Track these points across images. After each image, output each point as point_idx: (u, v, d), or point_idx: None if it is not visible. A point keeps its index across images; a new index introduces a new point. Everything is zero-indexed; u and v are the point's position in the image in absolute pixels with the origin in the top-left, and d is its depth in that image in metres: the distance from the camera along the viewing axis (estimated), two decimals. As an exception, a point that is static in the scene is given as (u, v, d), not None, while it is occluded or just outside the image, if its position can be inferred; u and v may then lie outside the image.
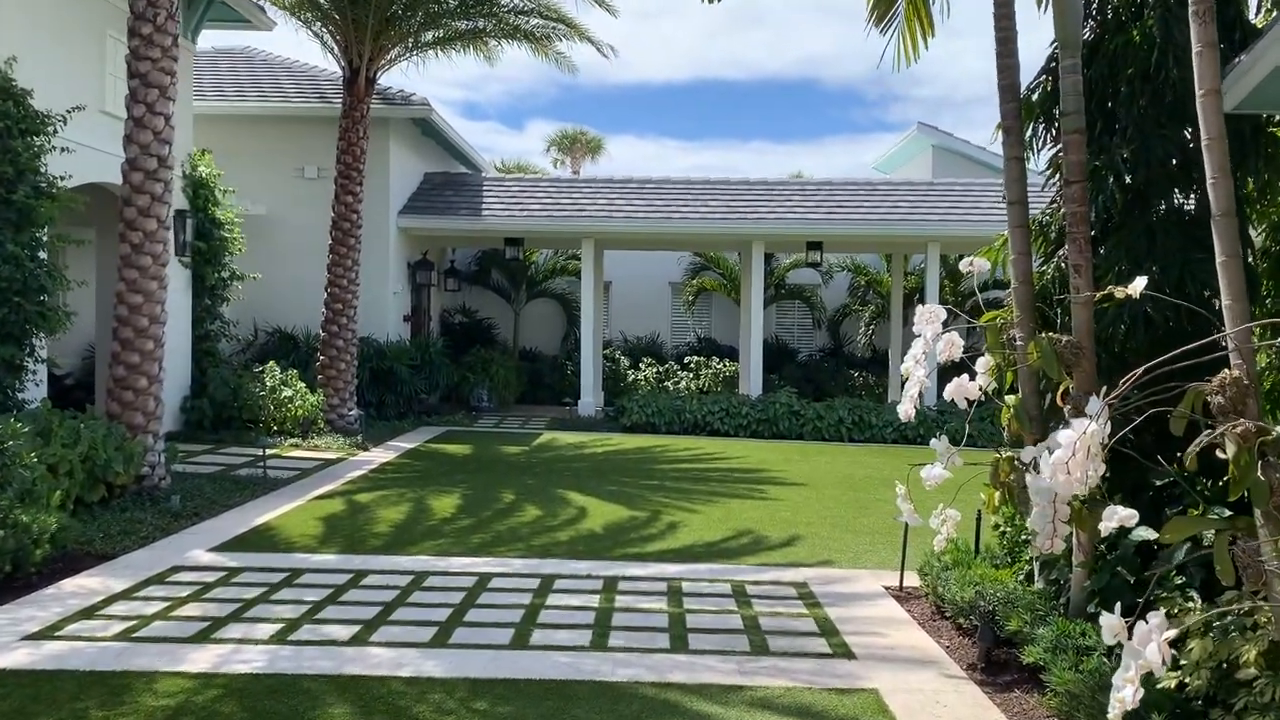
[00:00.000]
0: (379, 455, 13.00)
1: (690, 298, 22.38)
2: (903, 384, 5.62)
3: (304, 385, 14.11)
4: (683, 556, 7.93)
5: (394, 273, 17.36)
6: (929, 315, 5.94)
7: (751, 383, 17.45)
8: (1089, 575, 4.86)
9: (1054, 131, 5.96)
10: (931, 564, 6.65)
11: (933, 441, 5.75)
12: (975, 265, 6.01)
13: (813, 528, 9.13)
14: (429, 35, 15.40)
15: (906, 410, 5.11)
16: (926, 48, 7.57)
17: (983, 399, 5.36)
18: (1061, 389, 4.79)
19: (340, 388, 14.54)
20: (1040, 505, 4.19)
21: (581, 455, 13.66)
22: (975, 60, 72.95)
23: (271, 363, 14.33)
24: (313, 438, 13.62)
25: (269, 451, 12.45)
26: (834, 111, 69.48)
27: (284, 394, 13.85)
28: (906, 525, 7.17)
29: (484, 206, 18.07)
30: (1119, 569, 4.75)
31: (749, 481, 11.78)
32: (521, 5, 15.17)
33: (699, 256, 22.17)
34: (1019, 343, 5.56)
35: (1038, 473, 4.36)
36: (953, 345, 5.66)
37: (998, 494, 5.67)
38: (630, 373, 20.66)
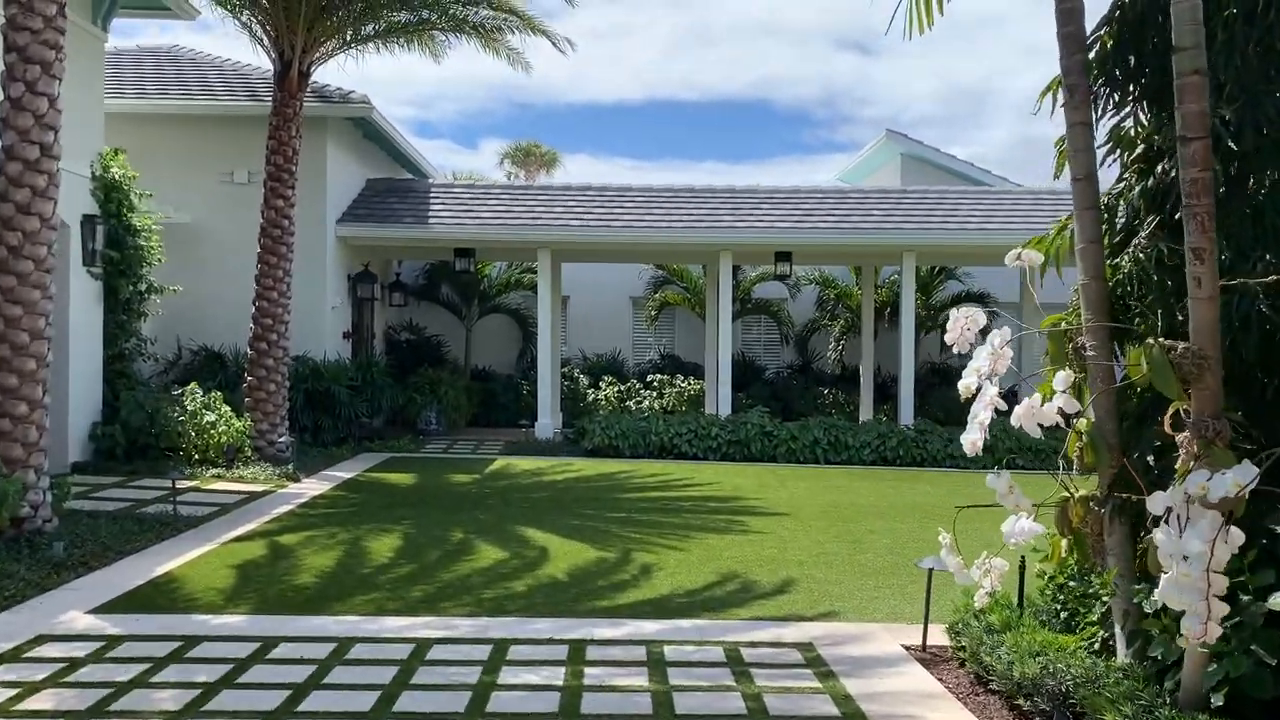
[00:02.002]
0: (311, 487, 11.64)
1: (653, 312, 21.22)
2: (970, 405, 4.48)
3: (229, 409, 12.72)
4: (662, 609, 6.72)
5: (332, 285, 16.00)
6: (966, 320, 4.84)
7: (720, 402, 16.31)
8: (1214, 657, 3.71)
9: (1118, 96, 4.88)
10: (969, 623, 5.50)
11: (990, 479, 4.62)
12: (1025, 259, 4.92)
13: (805, 568, 7.96)
14: (369, 27, 14.15)
15: (974, 441, 3.97)
16: (941, 13, 6.45)
17: (1060, 424, 4.24)
18: (1171, 412, 3.68)
19: (270, 411, 13.15)
20: (1191, 575, 3.07)
21: (540, 483, 12.41)
22: (922, 81, 73.27)
23: (193, 384, 12.92)
24: (238, 467, 12.24)
25: (187, 484, 11.10)
26: (785, 132, 69.35)
27: (206, 419, 12.46)
28: (931, 572, 6.03)
29: (431, 214, 16.79)
30: (1254, 648, 3.61)
31: (726, 512, 10.60)
32: (470, -5, 13.98)
33: (661, 269, 21.03)
34: (1090, 353, 4.44)
35: (1165, 524, 3.25)
36: (1000, 358, 4.56)
37: (1064, 542, 4.55)
38: (590, 392, 19.44)
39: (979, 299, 20.77)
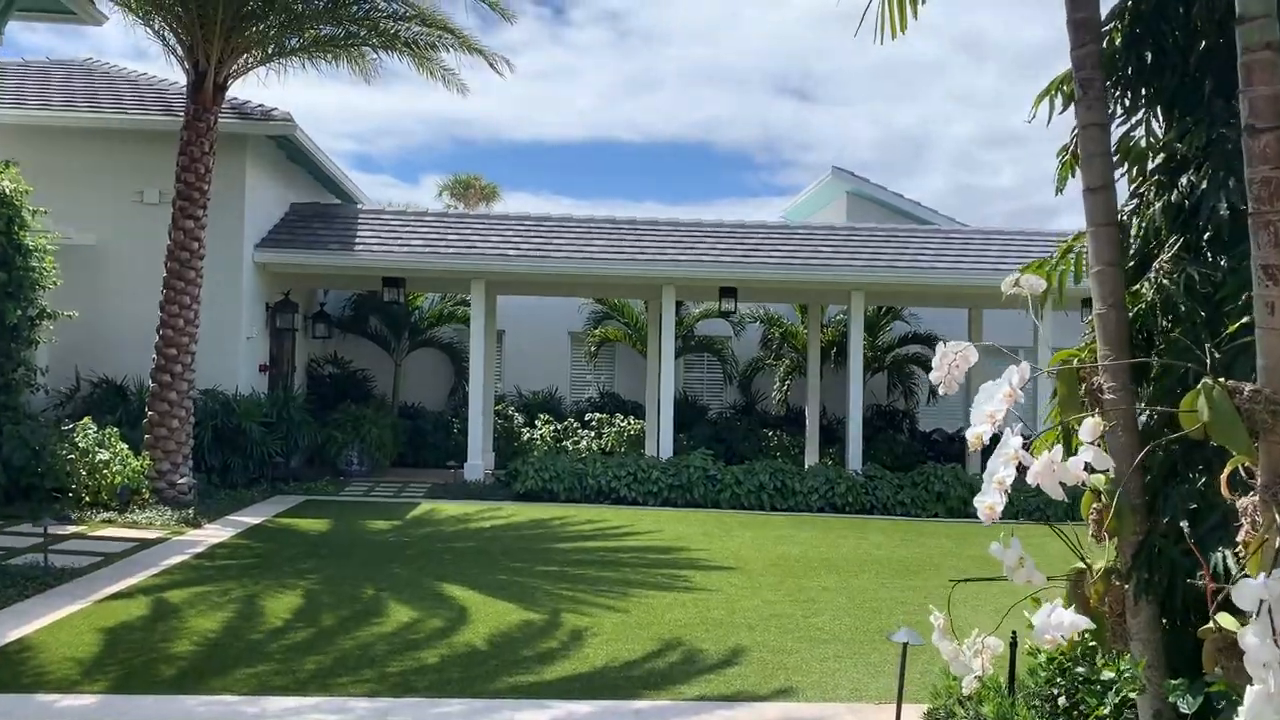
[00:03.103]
0: (213, 534, 10.56)
1: (592, 349, 20.41)
2: (975, 454, 3.72)
3: (126, 447, 11.61)
4: (595, 687, 5.84)
5: (249, 314, 14.95)
6: (955, 357, 4.09)
7: (661, 443, 15.50)
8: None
9: (1128, 99, 4.21)
10: (954, 711, 4.72)
11: (995, 548, 3.83)
12: (1025, 284, 4.19)
13: (756, 633, 7.14)
14: (293, 40, 13.27)
15: (991, 506, 3.20)
16: (915, 18, 5.79)
17: (1083, 486, 3.50)
18: (1230, 470, 2.96)
19: (172, 450, 12.04)
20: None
21: (466, 531, 11.45)
22: (860, 127, 74.31)
23: (86, 419, 11.79)
24: (133, 511, 11.14)
25: (70, 530, 10.00)
26: (726, 175, 69.84)
27: (100, 457, 11.34)
28: (905, 646, 5.26)
29: (359, 241, 15.84)
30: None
31: (668, 566, 9.76)
32: (401, 10, 13.18)
33: (601, 304, 20.26)
34: (1109, 395, 3.73)
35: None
36: (1010, 396, 3.83)
37: (1080, 623, 3.78)
38: (525, 431, 18.51)
39: (926, 340, 20.33)
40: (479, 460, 15.43)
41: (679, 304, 18.78)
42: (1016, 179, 72.40)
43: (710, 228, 17.00)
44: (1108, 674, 4.27)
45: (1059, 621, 3.10)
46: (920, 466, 15.33)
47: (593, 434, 18.48)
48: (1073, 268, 4.20)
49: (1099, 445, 3.24)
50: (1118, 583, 3.70)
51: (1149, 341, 3.92)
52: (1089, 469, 3.40)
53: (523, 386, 20.41)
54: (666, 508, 13.95)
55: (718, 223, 17.30)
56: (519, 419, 18.91)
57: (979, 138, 75.16)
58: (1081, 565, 3.88)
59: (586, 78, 73.67)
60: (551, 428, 18.58)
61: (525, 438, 18.28)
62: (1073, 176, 4.24)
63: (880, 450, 17.22)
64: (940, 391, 4.19)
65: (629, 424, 18.57)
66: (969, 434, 3.28)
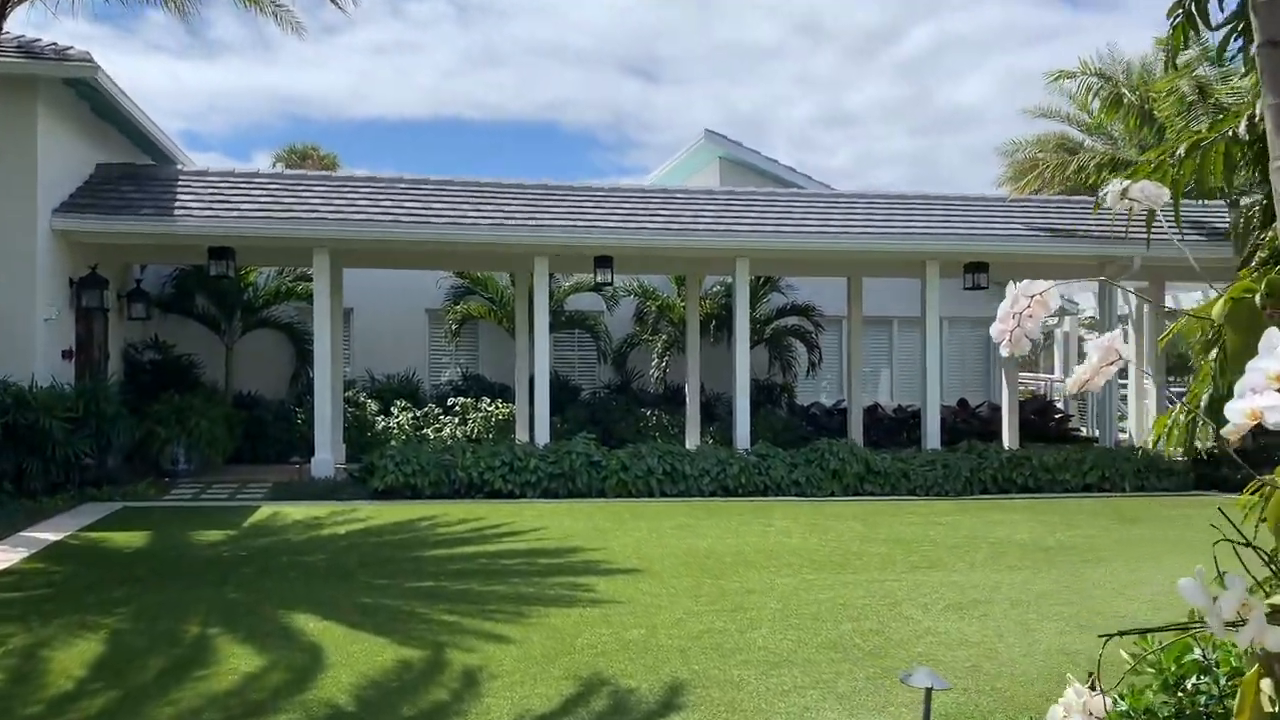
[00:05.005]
0: (-6, 558, 8.54)
1: (453, 327, 18.66)
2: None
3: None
4: (506, 760, 4.40)
5: (46, 291, 12.66)
6: (1028, 302, 2.83)
7: (537, 428, 14.02)
8: None
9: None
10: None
11: (1184, 585, 2.60)
12: (1140, 194, 2.96)
13: (691, 660, 5.82)
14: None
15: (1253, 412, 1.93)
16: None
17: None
18: None
19: (-57, 455, 9.84)
20: None
21: (316, 539, 9.73)
22: (707, 108, 74.35)
23: None
24: (-110, 534, 8.96)
25: None
26: (573, 155, 68.72)
27: None
28: (929, 693, 4.00)
29: (179, 206, 13.67)
30: None
31: (564, 572, 8.34)
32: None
33: (462, 278, 18.54)
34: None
35: None
36: (1114, 354, 2.61)
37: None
38: (380, 420, 16.69)
39: (804, 311, 19.50)
40: (328, 454, 13.60)
41: (549, 276, 17.28)
42: (852, 158, 73.73)
43: (583, 192, 15.56)
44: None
45: None
46: (813, 443, 14.36)
47: (457, 420, 16.83)
48: (1215, 162, 2.97)
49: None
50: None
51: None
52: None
53: (375, 370, 18.53)
54: (547, 499, 12.52)
55: (591, 186, 15.88)
56: (372, 406, 17.07)
57: (817, 118, 76.18)
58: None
59: (428, 53, 70.93)
60: (410, 415, 16.84)
61: (380, 427, 16.48)
62: (1185, 46, 3.07)
63: (761, 426, 16.22)
64: (1004, 353, 2.81)
65: (497, 408, 17.00)
66: (1240, 406, 2.00)
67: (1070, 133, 25.59)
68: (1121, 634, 2.79)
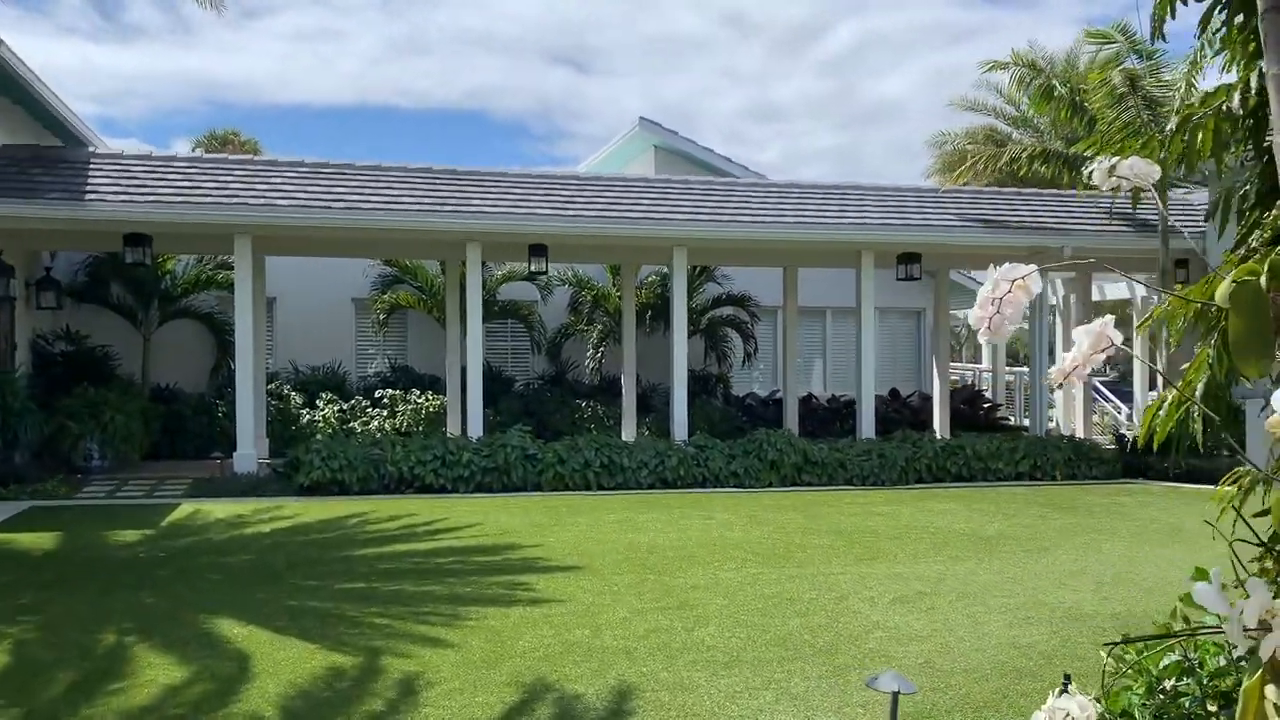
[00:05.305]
0: (-113, 564, 7.97)
1: (380, 317, 18.16)
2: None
3: None
4: (448, 777, 4.13)
5: (-55, 279, 11.95)
6: (1009, 285, 2.66)
7: (470, 420, 13.67)
8: None
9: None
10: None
11: (1200, 590, 2.45)
12: (1130, 171, 2.81)
13: (637, 661, 5.60)
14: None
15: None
16: None
17: None
18: None
19: None
20: None
21: (240, 539, 9.30)
22: (635, 100, 74.46)
23: None
24: None
25: None
26: (502, 143, 68.15)
27: None
28: (896, 697, 3.84)
29: (91, 190, 13.00)
30: None
31: (501, 570, 8.06)
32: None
33: (391, 265, 18.06)
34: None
35: None
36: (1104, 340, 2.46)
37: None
38: (305, 413, 16.17)
39: (739, 302, 19.42)
40: (251, 449, 13.09)
41: (482, 264, 16.91)
42: (781, 153, 74.27)
43: (517, 178, 15.20)
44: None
45: None
46: (751, 434, 14.26)
47: (385, 413, 16.40)
48: (1205, 134, 2.82)
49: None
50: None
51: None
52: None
53: (300, 362, 17.96)
54: (481, 494, 12.20)
55: (525, 173, 15.53)
56: (297, 399, 16.54)
57: (746, 112, 76.56)
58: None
59: (352, 40, 69.53)
60: (336, 408, 16.35)
61: (306, 420, 15.98)
62: (1171, 16, 2.92)
63: (697, 417, 16.08)
64: (983, 340, 2.64)
65: (427, 400, 16.60)
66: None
67: (998, 125, 25.95)
68: (1126, 641, 2.63)
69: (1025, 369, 22.60)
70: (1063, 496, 12.60)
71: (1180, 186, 15.30)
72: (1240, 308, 2.17)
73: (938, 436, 15.99)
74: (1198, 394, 2.54)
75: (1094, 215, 16.32)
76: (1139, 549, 8.97)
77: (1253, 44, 2.72)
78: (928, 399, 19.32)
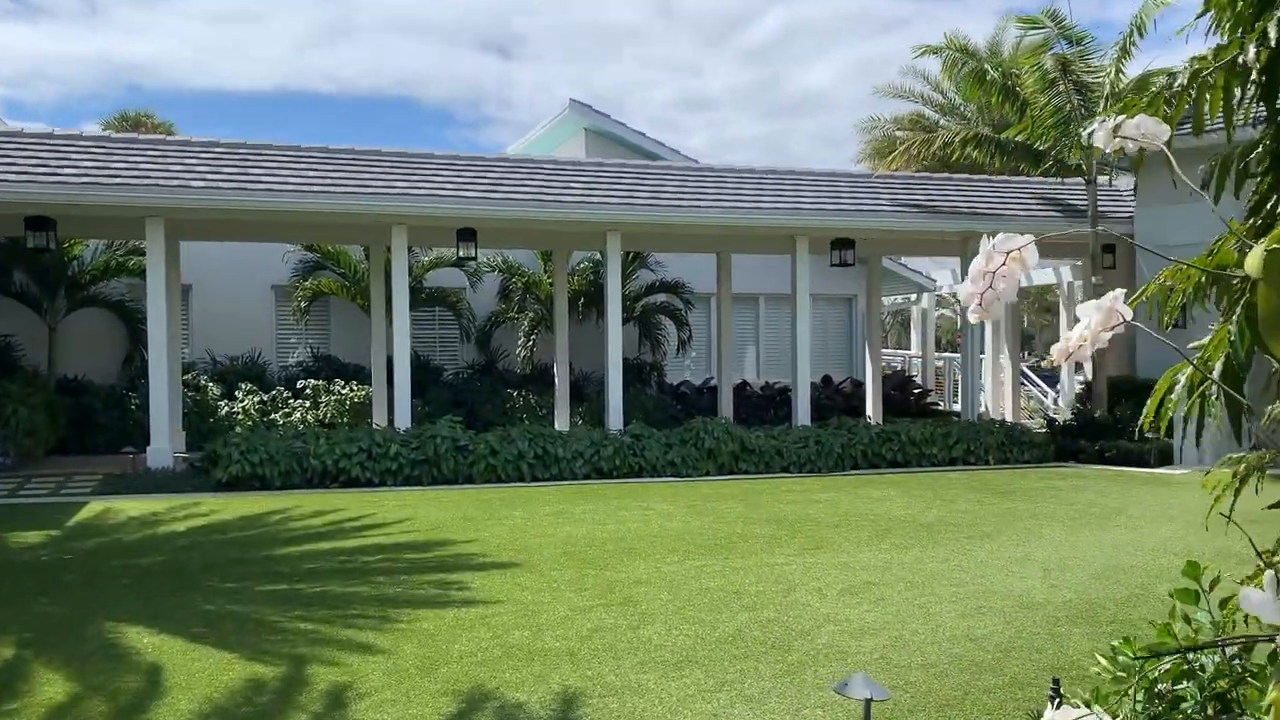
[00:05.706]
0: None
1: (302, 304, 17.53)
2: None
3: None
4: (381, 801, 3.78)
5: None
6: (1003, 259, 2.42)
7: (398, 410, 13.20)
8: None
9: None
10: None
11: (1248, 595, 2.21)
12: (1136, 131, 2.58)
13: (581, 664, 5.30)
14: None
15: None
16: None
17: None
18: None
19: None
20: None
21: (153, 539, 8.77)
22: (565, 87, 73.92)
23: None
24: None
25: None
26: (430, 131, 67.13)
27: None
28: (869, 704, 3.59)
29: (-13, 170, 12.22)
30: None
31: (433, 568, 7.68)
32: None
33: (312, 251, 17.42)
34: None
35: None
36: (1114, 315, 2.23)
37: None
38: (223, 405, 15.51)
39: (673, 289, 19.19)
40: (165, 443, 12.46)
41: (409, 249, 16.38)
42: (707, 142, 74.36)
43: (444, 160, 14.73)
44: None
45: None
46: (688, 423, 14.04)
47: (308, 404, 15.82)
48: (1208, 98, 2.58)
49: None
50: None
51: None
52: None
53: (217, 351, 17.24)
54: (410, 487, 11.77)
55: (453, 155, 15.06)
56: (215, 390, 15.86)
57: (674, 100, 76.48)
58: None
59: (270, 23, 67.65)
60: (256, 399, 15.72)
61: (224, 413, 15.33)
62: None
63: (631, 406, 15.82)
64: (972, 318, 2.36)
65: (352, 391, 16.05)
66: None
67: (925, 112, 26.11)
68: (1158, 655, 2.39)
69: (955, 355, 22.80)
70: (998, 481, 12.61)
71: (1104, 174, 15.45)
72: (1274, 277, 1.93)
73: (872, 423, 15.97)
74: (1216, 373, 2.31)
75: (1024, 200, 16.43)
76: (1080, 533, 8.93)
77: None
78: (860, 385, 19.32)
